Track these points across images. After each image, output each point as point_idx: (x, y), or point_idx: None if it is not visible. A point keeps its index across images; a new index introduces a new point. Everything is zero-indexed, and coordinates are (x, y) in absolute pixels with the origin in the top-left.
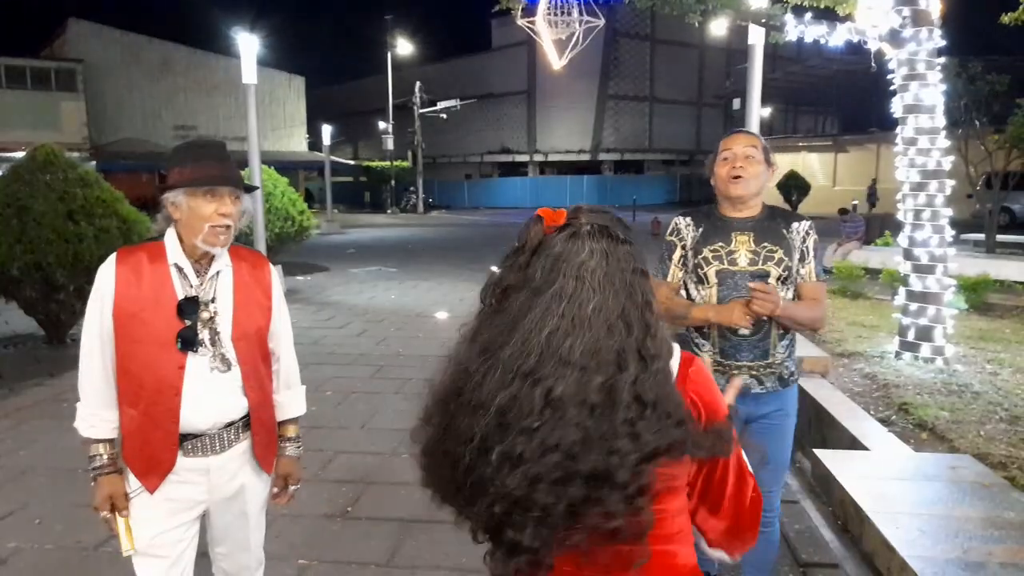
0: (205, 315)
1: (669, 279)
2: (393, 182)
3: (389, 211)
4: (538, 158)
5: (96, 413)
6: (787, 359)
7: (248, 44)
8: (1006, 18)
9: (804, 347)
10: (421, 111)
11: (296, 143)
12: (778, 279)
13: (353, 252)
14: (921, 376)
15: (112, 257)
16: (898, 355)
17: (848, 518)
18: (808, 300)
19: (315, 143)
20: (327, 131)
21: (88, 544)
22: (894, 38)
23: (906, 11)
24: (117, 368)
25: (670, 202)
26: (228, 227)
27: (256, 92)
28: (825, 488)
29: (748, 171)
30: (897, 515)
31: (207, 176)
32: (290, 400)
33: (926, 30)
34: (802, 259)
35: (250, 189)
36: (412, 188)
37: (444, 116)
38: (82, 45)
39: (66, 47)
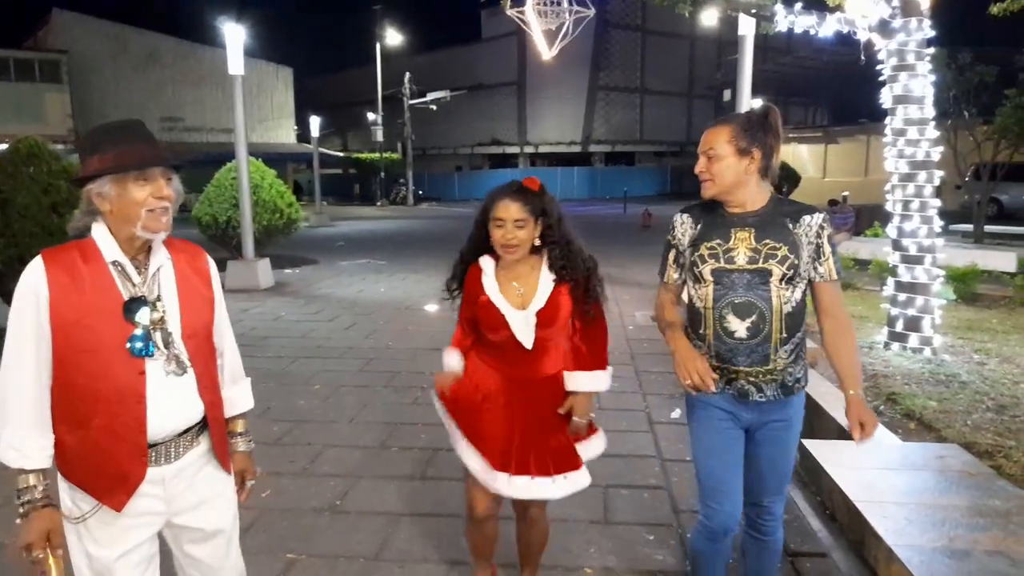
0: (155, 315)
1: (666, 280)
2: (382, 174)
3: (379, 203)
4: (528, 150)
5: (27, 440)
6: (791, 365)
7: (235, 35)
8: (995, 9)
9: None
10: (411, 102)
11: (284, 135)
12: (782, 279)
13: (342, 245)
14: (909, 366)
15: (37, 260)
16: (887, 345)
17: (836, 507)
18: (839, 338)
19: (303, 135)
20: (315, 122)
21: None
22: (883, 28)
23: (895, 1)
24: (56, 384)
25: (661, 193)
26: (167, 208)
27: (243, 83)
28: (814, 478)
29: (710, 171)
30: (884, 504)
31: (135, 158)
32: (238, 395)
33: (915, 20)
34: (819, 255)
35: (179, 167)
36: (402, 180)
37: (434, 107)
38: (66, 36)
39: (50, 38)
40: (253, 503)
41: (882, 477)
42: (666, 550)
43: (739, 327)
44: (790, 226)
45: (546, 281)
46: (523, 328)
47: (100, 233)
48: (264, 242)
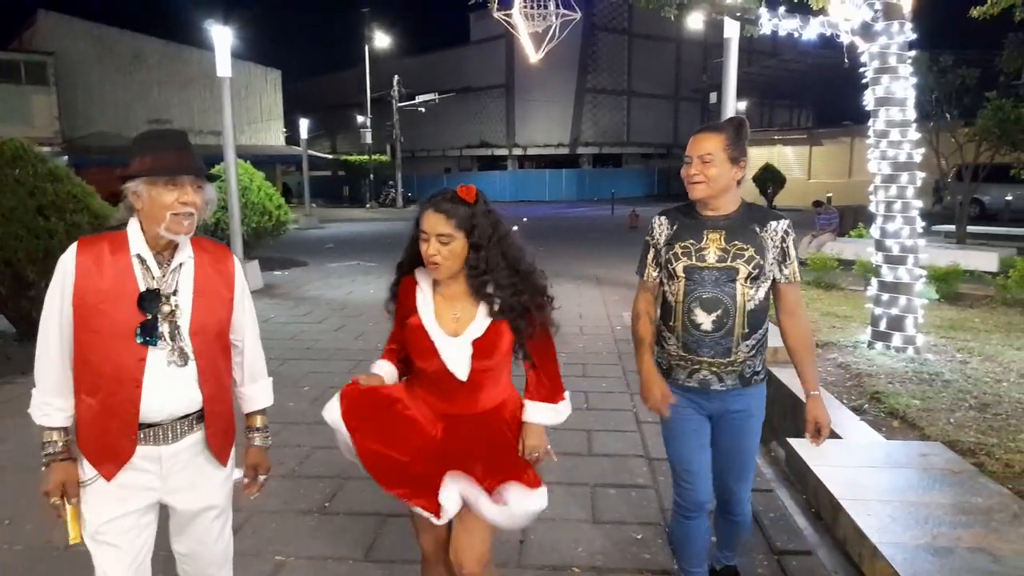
0: (166, 308)
1: (645, 278)
2: (372, 176)
3: (368, 205)
4: (517, 152)
5: (51, 402)
6: (751, 358)
7: (222, 37)
8: (975, 12)
9: (779, 338)
10: (399, 105)
11: (273, 137)
12: (747, 277)
13: (331, 247)
14: (893, 365)
15: (73, 246)
16: (870, 345)
17: (821, 505)
18: (797, 340)
19: (292, 137)
20: (304, 125)
21: (60, 544)
22: (866, 31)
23: (878, 4)
24: (75, 357)
25: (648, 195)
26: (191, 214)
27: (231, 85)
28: (799, 476)
29: (704, 175)
30: (869, 502)
31: (167, 165)
32: (257, 392)
33: (897, 23)
34: (784, 259)
35: (212, 178)
36: (391, 182)
37: (423, 110)
38: (52, 37)
39: (36, 39)
40: (241, 505)
41: (866, 475)
42: (654, 549)
43: (705, 320)
44: (757, 230)
45: (483, 307)
46: (456, 358)
47: (132, 227)
48: (253, 244)
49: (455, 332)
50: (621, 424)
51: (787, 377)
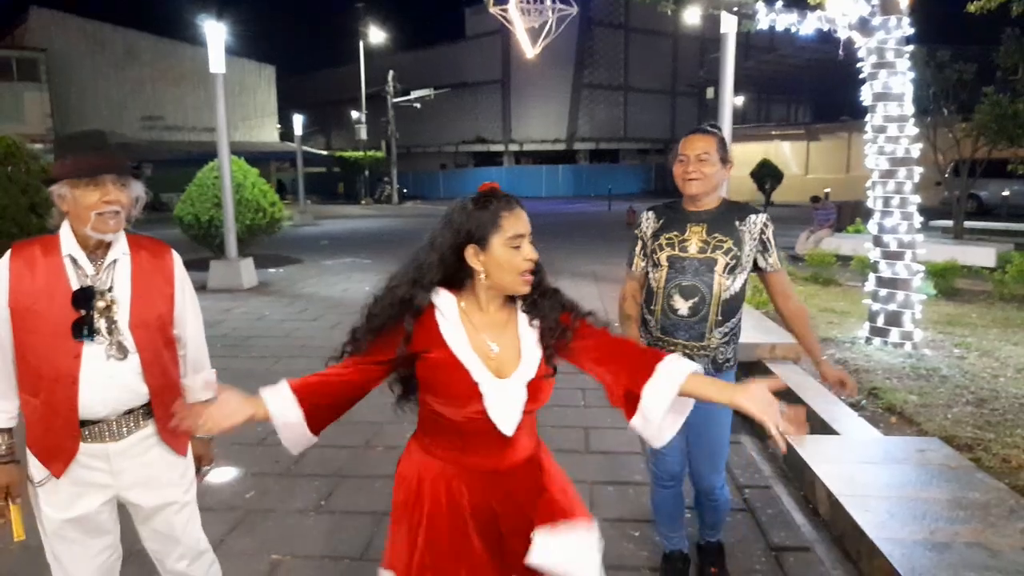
0: (101, 304)
1: (633, 268)
2: (367, 172)
3: (363, 202)
4: (513, 148)
5: None
6: (724, 345)
7: (216, 32)
8: (973, 7)
9: (776, 334)
10: (394, 100)
11: (267, 133)
12: (725, 268)
13: (326, 244)
14: (890, 361)
15: (7, 253)
16: (868, 340)
17: (819, 502)
18: (794, 317)
19: (286, 133)
20: (299, 121)
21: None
22: (863, 26)
23: None
24: (16, 358)
25: (645, 191)
26: (117, 212)
27: (225, 82)
28: (796, 472)
29: (700, 172)
30: (866, 498)
31: (87, 166)
32: (199, 383)
33: (895, 18)
34: (765, 250)
35: (138, 175)
36: (386, 179)
37: (418, 105)
38: (45, 34)
39: (28, 36)
40: (237, 504)
41: (864, 471)
42: (651, 546)
43: (682, 306)
44: (737, 224)
45: (529, 335)
46: (504, 406)
47: (64, 229)
48: (247, 241)
49: (496, 371)
50: (619, 421)
51: (784, 373)
